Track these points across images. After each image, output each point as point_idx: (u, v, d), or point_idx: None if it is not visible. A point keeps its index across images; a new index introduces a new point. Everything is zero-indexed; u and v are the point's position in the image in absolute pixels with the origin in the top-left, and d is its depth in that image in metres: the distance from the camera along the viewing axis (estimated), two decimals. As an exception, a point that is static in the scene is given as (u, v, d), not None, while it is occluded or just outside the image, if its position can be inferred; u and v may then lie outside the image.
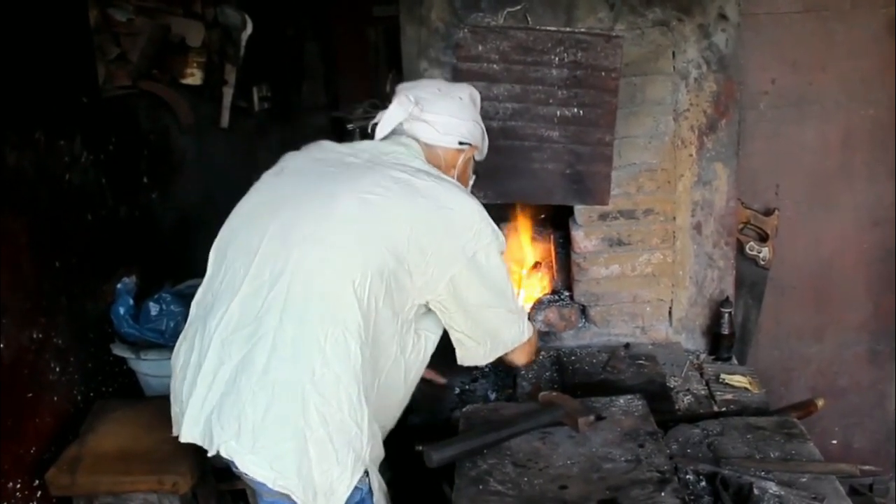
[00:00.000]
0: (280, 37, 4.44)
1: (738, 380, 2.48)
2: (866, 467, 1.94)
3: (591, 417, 1.88)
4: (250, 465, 1.59)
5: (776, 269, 3.02)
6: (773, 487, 1.72)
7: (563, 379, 2.48)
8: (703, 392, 2.44)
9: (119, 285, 2.62)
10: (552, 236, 2.91)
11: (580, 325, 2.78)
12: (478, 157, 2.10)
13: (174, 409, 1.77)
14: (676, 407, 2.33)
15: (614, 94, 2.48)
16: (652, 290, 2.71)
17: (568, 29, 2.48)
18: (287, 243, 1.68)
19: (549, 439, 1.86)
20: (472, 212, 1.80)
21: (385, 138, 1.93)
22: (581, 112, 2.49)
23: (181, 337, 1.80)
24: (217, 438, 1.62)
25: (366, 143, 1.94)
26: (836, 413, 3.03)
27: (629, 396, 2.03)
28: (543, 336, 2.71)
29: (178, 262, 2.92)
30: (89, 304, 2.54)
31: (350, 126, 4.45)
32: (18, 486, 2.14)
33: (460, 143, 1.97)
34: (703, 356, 2.70)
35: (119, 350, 2.58)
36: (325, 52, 5.14)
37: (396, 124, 1.93)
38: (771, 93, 2.89)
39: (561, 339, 2.75)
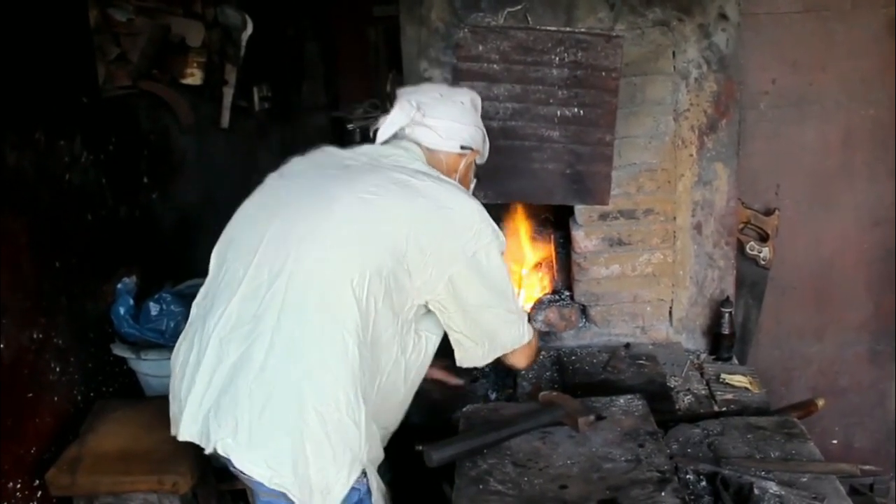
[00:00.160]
0: (280, 37, 4.44)
1: (739, 379, 2.48)
2: (867, 467, 1.94)
3: (592, 417, 1.88)
4: (246, 463, 1.59)
5: (777, 269, 3.02)
6: (773, 487, 1.72)
7: (564, 379, 2.48)
8: (703, 392, 2.44)
9: (119, 285, 2.62)
10: (552, 236, 2.91)
11: (580, 324, 2.78)
12: (479, 161, 2.11)
13: (173, 409, 1.77)
14: (677, 407, 2.33)
15: (614, 94, 2.48)
16: (652, 290, 2.71)
17: (568, 29, 2.48)
18: (286, 243, 1.69)
19: (549, 439, 1.86)
20: (472, 211, 1.80)
21: (386, 143, 1.94)
22: (581, 112, 2.49)
23: (181, 337, 1.80)
24: (214, 436, 1.62)
25: (366, 147, 1.95)
26: (836, 413, 3.03)
27: (629, 396, 2.03)
28: (544, 336, 2.71)
29: (178, 262, 2.92)
30: (89, 304, 2.54)
31: (350, 126, 4.45)
32: (19, 486, 2.14)
33: (462, 148, 1.99)
34: (703, 356, 2.70)
35: (119, 350, 2.58)
36: (325, 52, 5.14)
37: (398, 129, 1.94)
38: (771, 93, 2.89)
39: (561, 338, 2.75)
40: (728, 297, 2.67)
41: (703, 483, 1.82)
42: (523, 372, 2.49)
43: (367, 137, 2.04)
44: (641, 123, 2.56)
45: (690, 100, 2.56)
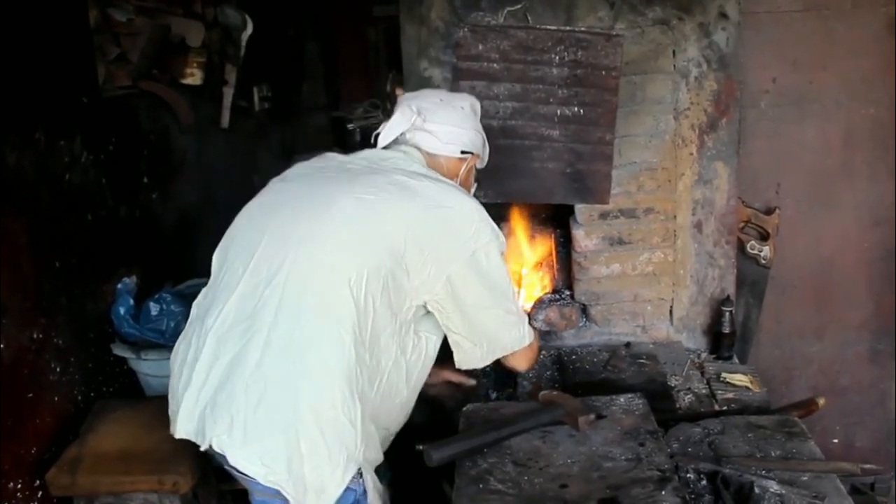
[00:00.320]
0: (280, 37, 4.45)
1: (739, 378, 2.48)
2: (867, 466, 1.94)
3: (592, 416, 1.88)
4: (241, 460, 1.59)
5: (777, 268, 3.01)
6: (773, 486, 1.72)
7: (564, 378, 2.48)
8: (703, 391, 2.44)
9: (119, 285, 2.62)
10: (553, 235, 2.91)
11: (581, 324, 2.77)
12: (479, 166, 2.12)
13: (171, 407, 1.77)
14: (677, 406, 2.33)
15: (614, 93, 2.48)
16: (653, 289, 2.70)
17: (568, 28, 2.48)
18: (285, 243, 1.69)
19: (549, 438, 1.85)
20: (471, 211, 1.80)
21: (387, 148, 1.95)
22: (581, 111, 2.49)
23: (181, 337, 1.81)
24: (209, 432, 1.63)
25: (367, 152, 1.97)
26: (837, 412, 3.02)
27: (630, 395, 2.03)
28: (544, 335, 2.71)
29: (178, 262, 2.93)
30: (89, 304, 2.54)
31: (350, 126, 4.45)
32: (19, 486, 2.14)
33: (462, 152, 2.00)
34: (703, 355, 2.70)
35: (119, 350, 2.58)
36: (325, 52, 5.15)
37: (399, 134, 1.95)
38: (772, 91, 2.89)
39: (562, 338, 2.75)
40: (728, 296, 2.66)
41: (704, 482, 1.82)
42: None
43: (368, 137, 2.05)
44: (642, 122, 2.56)
45: (691, 98, 2.56)
